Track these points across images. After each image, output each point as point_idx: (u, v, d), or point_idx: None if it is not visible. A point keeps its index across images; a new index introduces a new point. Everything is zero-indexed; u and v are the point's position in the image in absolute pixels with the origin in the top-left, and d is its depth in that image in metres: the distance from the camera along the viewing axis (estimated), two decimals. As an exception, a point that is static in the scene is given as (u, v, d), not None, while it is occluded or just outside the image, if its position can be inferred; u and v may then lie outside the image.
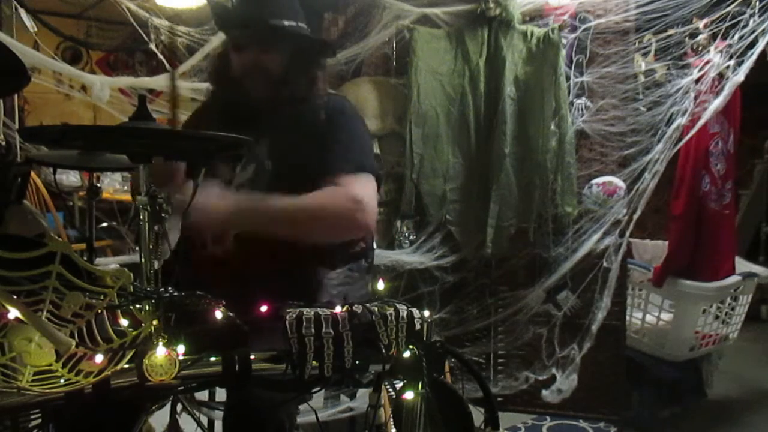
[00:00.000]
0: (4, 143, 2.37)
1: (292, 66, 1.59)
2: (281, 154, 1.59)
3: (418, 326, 1.15)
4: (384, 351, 1.12)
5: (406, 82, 2.82)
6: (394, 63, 2.94)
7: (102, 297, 0.99)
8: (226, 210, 1.44)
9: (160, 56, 2.80)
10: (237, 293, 1.14)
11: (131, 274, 1.00)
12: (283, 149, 1.59)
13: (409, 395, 1.15)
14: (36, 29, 2.79)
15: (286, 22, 1.57)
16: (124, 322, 1.04)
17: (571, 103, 2.67)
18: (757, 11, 2.37)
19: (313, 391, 1.21)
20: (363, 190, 1.52)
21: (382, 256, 2.55)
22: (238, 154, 1.55)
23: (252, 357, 1.08)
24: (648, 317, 2.91)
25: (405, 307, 1.16)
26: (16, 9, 2.74)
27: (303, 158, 1.56)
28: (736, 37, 2.41)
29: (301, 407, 1.52)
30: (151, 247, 1.09)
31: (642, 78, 2.70)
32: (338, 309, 1.13)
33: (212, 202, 1.42)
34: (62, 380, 0.95)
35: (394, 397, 1.24)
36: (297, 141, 1.58)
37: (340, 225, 1.53)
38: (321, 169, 1.54)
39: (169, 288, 1.09)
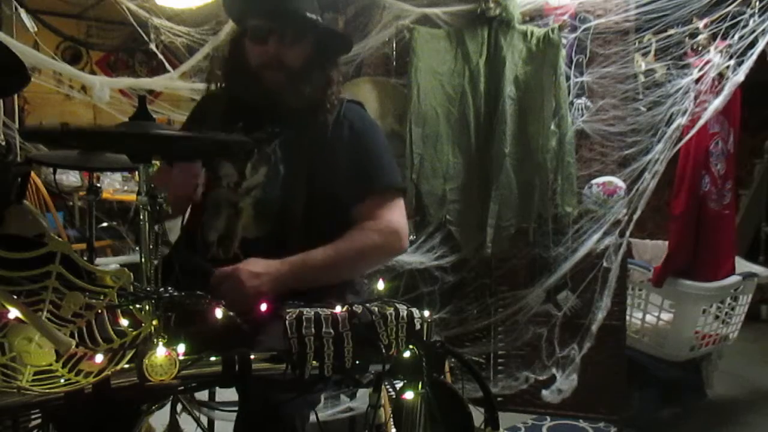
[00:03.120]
0: (4, 143, 2.37)
1: (313, 61, 1.55)
2: (295, 157, 1.55)
3: (418, 326, 1.15)
4: (384, 351, 1.12)
5: (406, 82, 2.81)
6: (394, 63, 2.94)
7: (102, 297, 0.99)
8: (270, 277, 1.40)
9: (160, 56, 2.80)
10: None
11: (131, 274, 1.00)
12: (297, 152, 1.55)
13: (409, 395, 1.15)
14: (36, 29, 2.80)
15: (309, 14, 1.53)
16: (124, 322, 1.04)
17: (571, 103, 2.67)
18: (757, 11, 2.37)
19: (316, 390, 1.21)
20: (397, 216, 1.55)
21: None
22: (247, 152, 1.54)
23: (252, 357, 1.08)
24: (648, 317, 2.91)
25: (405, 307, 1.16)
26: (16, 9, 2.75)
27: (321, 166, 1.54)
28: (736, 37, 2.41)
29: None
30: (151, 247, 1.09)
31: (642, 78, 2.70)
32: (338, 309, 1.13)
33: (252, 270, 1.39)
34: (62, 380, 0.95)
35: (394, 397, 1.24)
36: (313, 145, 1.55)
37: (383, 258, 1.62)
38: (349, 187, 1.53)
39: (169, 288, 1.09)
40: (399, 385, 1.19)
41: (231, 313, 1.11)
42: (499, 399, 2.76)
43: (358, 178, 1.54)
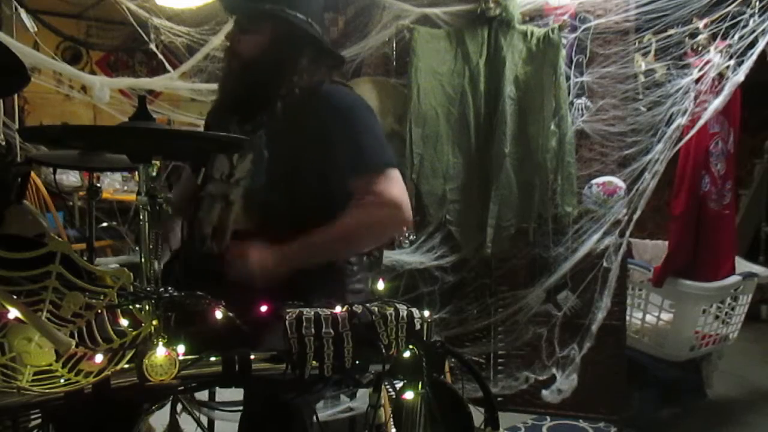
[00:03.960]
0: (4, 143, 2.37)
1: (271, 49, 1.58)
2: (281, 145, 1.56)
3: (418, 326, 1.15)
4: (384, 351, 1.12)
5: (406, 82, 2.81)
6: (394, 63, 2.94)
7: (102, 297, 0.99)
8: (277, 263, 1.42)
9: (160, 56, 2.80)
10: (243, 289, 1.15)
11: (131, 274, 1.00)
12: (279, 138, 1.56)
13: (409, 395, 1.15)
14: (36, 29, 2.79)
15: (268, 6, 1.55)
16: (124, 322, 1.04)
17: (571, 103, 2.67)
18: (757, 11, 2.37)
19: (317, 390, 1.21)
20: (396, 189, 1.54)
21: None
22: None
23: (252, 357, 1.08)
24: (648, 317, 2.91)
25: (405, 307, 1.16)
26: (16, 9, 2.74)
27: (309, 149, 1.54)
28: (736, 37, 2.41)
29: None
30: (151, 247, 1.09)
31: (642, 78, 2.70)
32: (338, 309, 1.13)
33: (258, 259, 1.41)
34: (62, 380, 0.95)
35: (394, 397, 1.24)
36: (295, 130, 1.56)
37: (386, 232, 1.64)
38: (344, 167, 1.53)
39: (169, 288, 1.09)
40: (399, 385, 1.19)
41: (231, 314, 1.11)
42: (499, 399, 2.76)
43: (351, 157, 1.53)
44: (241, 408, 1.49)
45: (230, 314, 1.11)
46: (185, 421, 1.69)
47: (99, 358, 0.95)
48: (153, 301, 1.02)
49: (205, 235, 1.57)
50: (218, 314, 1.10)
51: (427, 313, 1.17)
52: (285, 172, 1.53)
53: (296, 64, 1.59)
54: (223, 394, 1.55)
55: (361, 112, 1.60)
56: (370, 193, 1.51)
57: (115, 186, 5.12)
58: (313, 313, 1.11)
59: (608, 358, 2.71)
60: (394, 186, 1.54)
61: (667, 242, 2.97)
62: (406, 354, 1.14)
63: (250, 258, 1.40)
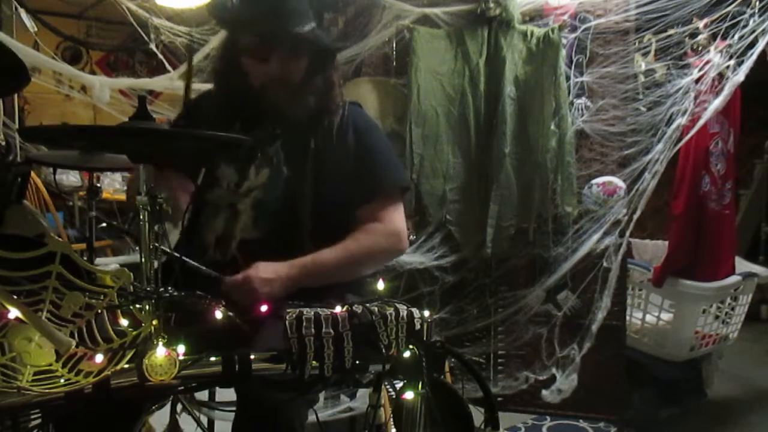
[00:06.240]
0: (4, 143, 2.37)
1: (313, 69, 1.57)
2: (299, 160, 1.57)
3: (418, 326, 1.15)
4: (384, 351, 1.12)
5: (406, 82, 2.82)
6: (394, 63, 2.94)
7: (102, 297, 0.99)
8: (281, 281, 1.43)
9: (160, 56, 2.80)
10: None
11: (131, 274, 1.00)
12: (301, 154, 1.57)
13: (409, 395, 1.15)
14: (36, 29, 2.80)
15: (306, 27, 1.53)
16: (124, 322, 1.04)
17: (571, 103, 2.67)
18: (757, 11, 2.37)
19: (315, 390, 1.21)
20: (399, 220, 1.61)
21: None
22: (248, 156, 1.55)
23: (252, 357, 1.08)
24: (648, 317, 2.91)
25: (405, 307, 1.16)
26: (16, 9, 2.75)
27: (325, 168, 1.56)
28: (736, 37, 2.41)
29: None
30: (151, 247, 1.09)
31: (642, 78, 2.70)
32: (338, 309, 1.13)
33: (263, 277, 1.41)
34: (62, 380, 0.95)
35: (394, 397, 1.24)
36: (316, 149, 1.57)
37: (386, 259, 1.70)
38: (354, 188, 1.55)
39: (169, 288, 1.09)
40: (399, 385, 1.19)
41: (231, 314, 1.11)
42: (499, 399, 2.76)
43: (364, 180, 1.57)
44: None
45: (230, 314, 1.11)
46: (185, 421, 1.70)
47: (99, 358, 0.95)
48: (153, 301, 1.02)
49: (208, 243, 1.56)
50: (218, 314, 1.10)
51: (427, 313, 1.17)
52: (303, 188, 1.54)
53: (331, 84, 1.60)
54: (223, 394, 1.55)
55: (379, 135, 1.66)
56: (377, 219, 1.56)
57: (115, 186, 5.12)
58: (313, 313, 1.11)
59: (608, 358, 2.71)
60: (399, 214, 1.61)
61: (667, 242, 2.97)
62: (406, 354, 1.14)
63: (252, 291, 1.38)
